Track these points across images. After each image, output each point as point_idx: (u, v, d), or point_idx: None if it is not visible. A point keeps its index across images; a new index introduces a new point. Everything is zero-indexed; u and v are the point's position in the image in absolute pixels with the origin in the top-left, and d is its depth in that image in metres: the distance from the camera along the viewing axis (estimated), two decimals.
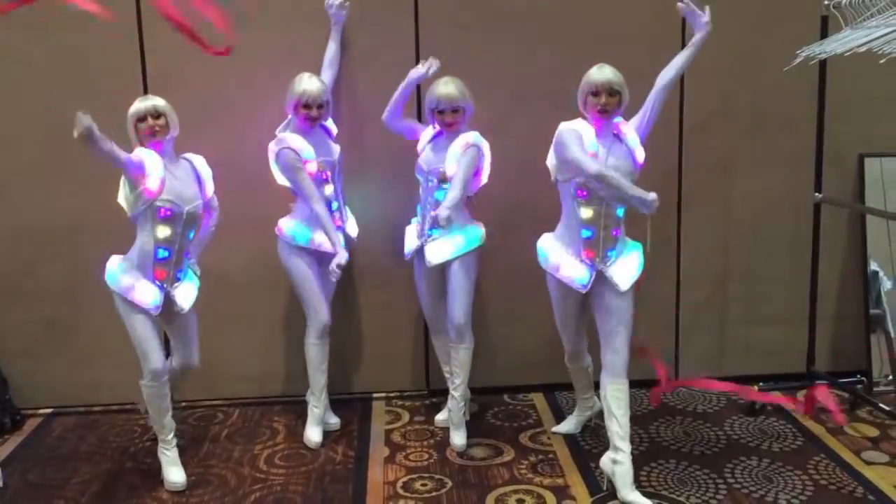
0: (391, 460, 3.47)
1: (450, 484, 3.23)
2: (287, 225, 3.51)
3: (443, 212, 3.18)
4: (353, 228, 3.65)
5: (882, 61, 3.03)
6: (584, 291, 3.17)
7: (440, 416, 3.73)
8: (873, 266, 4.05)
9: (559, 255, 3.21)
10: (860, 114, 4.00)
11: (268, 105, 3.57)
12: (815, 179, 3.85)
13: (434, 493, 3.17)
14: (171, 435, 3.26)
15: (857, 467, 3.32)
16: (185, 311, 3.24)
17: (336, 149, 3.57)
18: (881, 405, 3.66)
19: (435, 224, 3.25)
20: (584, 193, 3.12)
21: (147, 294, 3.11)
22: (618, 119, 3.14)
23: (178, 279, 3.23)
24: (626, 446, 3.07)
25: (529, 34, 3.84)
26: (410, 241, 3.61)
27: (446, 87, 3.39)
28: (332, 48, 3.70)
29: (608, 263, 3.14)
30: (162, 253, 3.13)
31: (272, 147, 3.44)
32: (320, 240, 3.46)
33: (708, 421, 3.76)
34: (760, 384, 3.92)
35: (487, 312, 3.79)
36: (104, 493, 3.22)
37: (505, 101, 3.82)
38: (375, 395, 4.07)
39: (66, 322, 3.93)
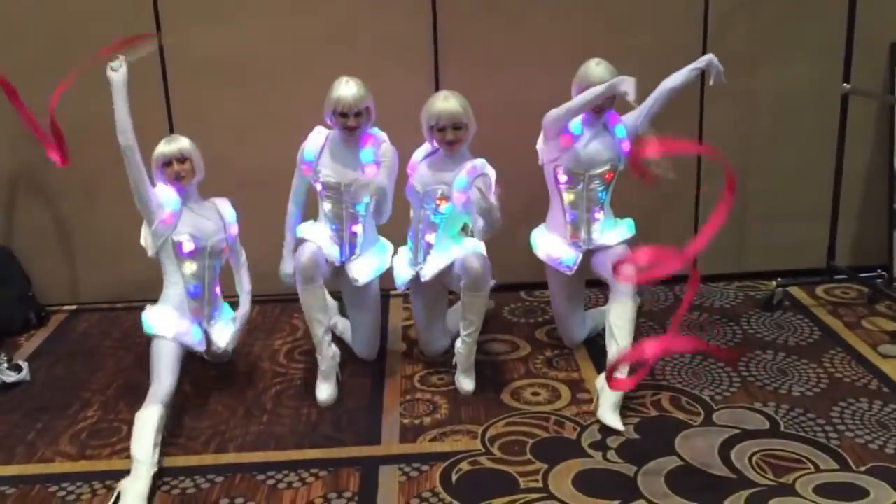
0: (408, 355, 3.51)
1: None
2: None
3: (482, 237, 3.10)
4: (360, 272, 3.23)
5: None
6: (569, 273, 3.26)
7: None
8: None
9: (546, 240, 3.35)
10: (893, 1, 3.83)
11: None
12: (843, 69, 3.73)
13: (451, 387, 3.22)
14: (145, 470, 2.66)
15: (873, 360, 3.32)
16: (221, 350, 3.20)
17: (365, 170, 3.13)
18: None
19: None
20: (565, 179, 3.23)
21: (189, 334, 3.06)
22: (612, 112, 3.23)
23: (213, 317, 3.20)
24: (623, 369, 2.90)
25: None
26: (403, 272, 3.32)
27: (446, 102, 3.07)
28: None
29: (594, 243, 3.26)
30: (192, 286, 3.10)
31: None
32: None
33: (725, 316, 3.77)
34: (779, 279, 3.90)
35: (504, 210, 3.75)
36: (129, 386, 3.31)
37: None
38: (392, 292, 4.09)
39: (86, 220, 3.96)
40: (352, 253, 3.27)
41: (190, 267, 3.10)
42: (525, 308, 3.92)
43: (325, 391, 3.15)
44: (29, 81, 3.75)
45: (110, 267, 4.01)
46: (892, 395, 3.07)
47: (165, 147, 3.06)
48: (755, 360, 3.35)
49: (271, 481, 2.68)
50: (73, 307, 4.07)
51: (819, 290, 3.99)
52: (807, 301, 3.89)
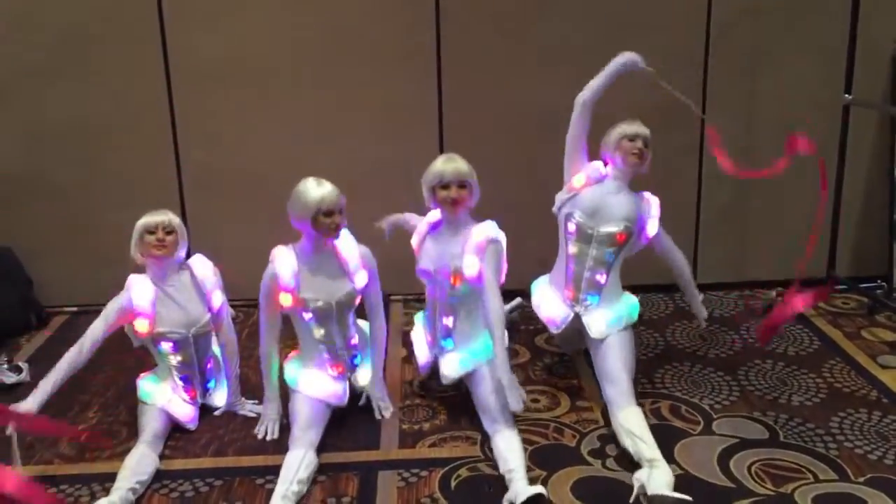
0: (408, 361, 3.51)
1: (465, 385, 3.27)
2: (286, 361, 3.06)
3: (504, 377, 2.68)
4: (364, 377, 3.09)
5: None
6: (556, 331, 3.16)
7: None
8: None
9: (543, 293, 3.23)
10: None
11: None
12: (845, 80, 3.74)
13: (450, 393, 3.22)
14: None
15: (872, 371, 3.33)
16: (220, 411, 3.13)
17: (345, 285, 2.90)
18: None
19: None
20: (573, 230, 3.07)
21: (181, 409, 3.00)
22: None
23: (208, 389, 3.12)
24: (658, 454, 2.65)
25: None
26: (422, 352, 3.17)
27: (452, 162, 2.89)
28: None
29: (586, 307, 3.08)
30: (181, 375, 3.02)
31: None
32: (312, 391, 2.93)
33: (724, 325, 3.77)
34: (779, 289, 3.91)
35: (506, 222, 3.77)
36: (128, 388, 3.29)
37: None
38: (393, 297, 4.10)
39: (86, 221, 3.96)
40: (354, 367, 3.08)
41: (175, 359, 2.98)
42: (525, 314, 3.92)
43: None
44: (30, 84, 3.79)
45: (111, 268, 3.97)
46: (891, 405, 3.07)
47: (152, 217, 2.90)
48: (755, 370, 3.35)
49: (270, 485, 2.67)
50: (74, 309, 4.06)
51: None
52: (806, 311, 3.89)
